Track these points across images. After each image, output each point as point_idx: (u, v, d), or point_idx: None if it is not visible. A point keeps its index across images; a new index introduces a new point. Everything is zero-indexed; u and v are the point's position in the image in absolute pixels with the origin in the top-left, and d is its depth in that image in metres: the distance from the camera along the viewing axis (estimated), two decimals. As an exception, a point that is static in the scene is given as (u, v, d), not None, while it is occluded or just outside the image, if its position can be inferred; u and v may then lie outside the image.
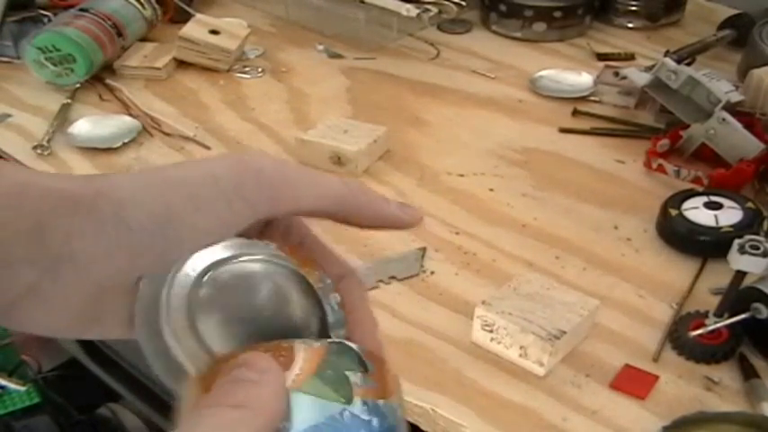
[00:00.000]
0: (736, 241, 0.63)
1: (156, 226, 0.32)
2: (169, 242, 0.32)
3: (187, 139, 0.95)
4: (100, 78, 1.06)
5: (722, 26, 1.12)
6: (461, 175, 0.88)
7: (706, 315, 0.67)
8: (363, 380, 0.29)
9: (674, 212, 0.77)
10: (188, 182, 0.33)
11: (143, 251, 0.32)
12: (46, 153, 0.92)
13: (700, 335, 0.65)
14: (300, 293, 0.34)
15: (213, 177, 0.33)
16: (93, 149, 0.93)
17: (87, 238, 0.31)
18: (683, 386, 0.63)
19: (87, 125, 0.96)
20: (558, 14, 1.15)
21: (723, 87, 0.86)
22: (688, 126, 0.87)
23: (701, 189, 0.81)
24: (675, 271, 0.75)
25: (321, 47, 1.15)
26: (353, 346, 0.31)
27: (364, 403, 0.28)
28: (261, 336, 0.32)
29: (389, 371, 0.32)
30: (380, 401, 0.29)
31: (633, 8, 1.19)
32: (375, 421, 0.28)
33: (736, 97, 0.86)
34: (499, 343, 0.65)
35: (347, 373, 0.29)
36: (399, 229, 0.38)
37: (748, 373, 0.63)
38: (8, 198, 0.31)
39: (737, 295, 0.64)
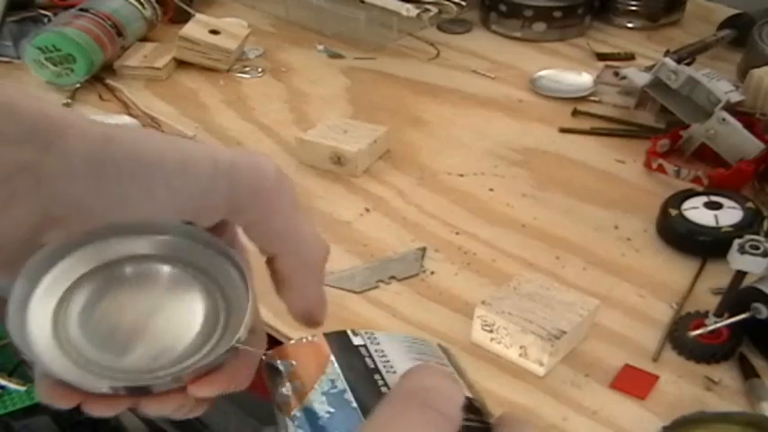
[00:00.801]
0: (736, 241, 0.63)
1: (132, 171, 0.32)
2: (134, 192, 0.32)
3: (187, 138, 0.95)
4: (100, 78, 1.06)
5: (722, 26, 1.12)
6: (461, 175, 0.88)
7: (706, 315, 0.67)
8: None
9: (674, 212, 0.77)
10: (188, 149, 0.33)
11: (105, 188, 0.32)
12: (46, 153, 0.92)
13: (700, 335, 0.65)
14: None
15: (213, 161, 0.33)
16: (93, 149, 0.92)
17: (58, 158, 0.31)
18: (683, 386, 0.63)
19: (87, 125, 0.96)
20: (558, 14, 1.15)
21: (723, 87, 0.86)
22: (688, 126, 0.87)
23: (701, 189, 0.81)
24: (675, 271, 0.75)
25: (321, 47, 1.15)
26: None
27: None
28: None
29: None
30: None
31: (633, 8, 1.19)
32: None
33: (736, 97, 0.86)
34: (499, 343, 0.65)
35: None
36: (297, 316, 0.37)
37: (748, 372, 0.63)
38: (4, 104, 0.31)
39: (737, 295, 0.64)
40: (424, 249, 0.77)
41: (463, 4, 1.13)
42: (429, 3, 1.10)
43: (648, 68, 0.94)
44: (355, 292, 0.72)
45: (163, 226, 0.34)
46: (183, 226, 0.34)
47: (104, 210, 0.32)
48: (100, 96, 1.03)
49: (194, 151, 0.33)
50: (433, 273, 0.75)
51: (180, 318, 0.33)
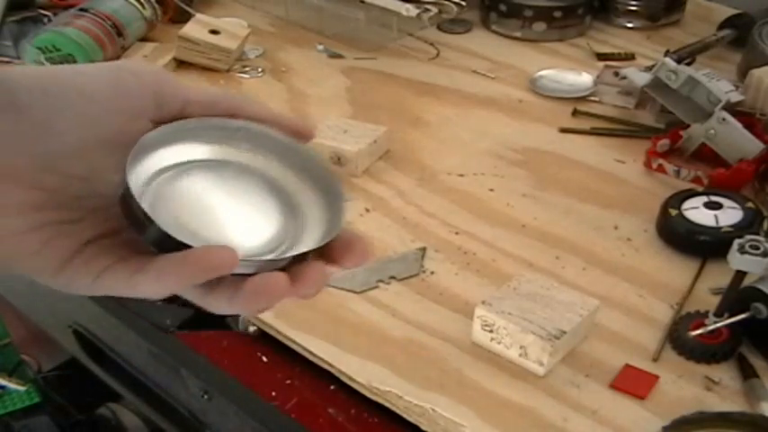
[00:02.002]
0: (736, 241, 0.63)
1: (38, 85, 0.33)
2: (52, 112, 0.33)
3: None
4: (100, 78, 1.06)
5: (722, 26, 1.12)
6: (461, 175, 0.88)
7: (706, 315, 0.67)
8: None
9: (674, 212, 0.77)
10: (79, 71, 0.35)
11: (25, 114, 0.32)
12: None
13: (700, 335, 0.65)
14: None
15: (103, 64, 0.35)
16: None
17: None
18: (683, 386, 0.63)
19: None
20: (558, 14, 1.15)
21: (723, 87, 0.86)
22: (688, 126, 0.87)
23: (701, 189, 0.81)
24: (675, 271, 0.75)
25: (321, 47, 1.15)
26: None
27: None
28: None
29: None
30: None
31: (633, 8, 1.19)
32: None
33: (736, 97, 0.86)
34: (499, 343, 0.65)
35: None
36: (289, 129, 0.38)
37: (748, 372, 0.63)
38: None
39: (737, 295, 0.64)
40: (424, 249, 0.77)
41: (463, 4, 1.13)
42: (429, 3, 1.10)
43: (648, 68, 0.94)
44: (355, 292, 0.72)
45: (270, 137, 0.38)
46: (288, 141, 0.38)
47: (35, 142, 0.33)
48: None
49: (80, 63, 0.36)
50: (433, 273, 0.75)
51: (256, 220, 0.36)
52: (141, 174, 0.35)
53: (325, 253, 0.36)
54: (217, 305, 0.34)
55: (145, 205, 0.33)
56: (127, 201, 0.33)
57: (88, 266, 0.34)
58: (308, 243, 0.36)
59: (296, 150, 0.38)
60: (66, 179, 0.34)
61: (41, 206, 0.34)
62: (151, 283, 0.32)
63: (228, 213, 0.36)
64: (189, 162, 0.37)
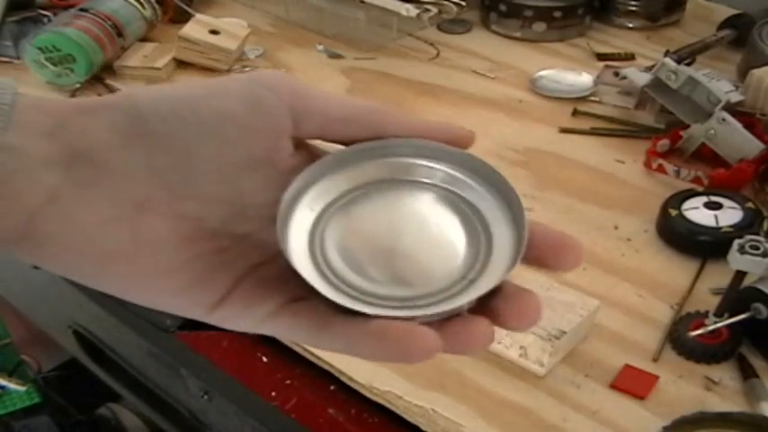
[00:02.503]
0: (736, 241, 0.63)
1: (170, 109, 0.31)
2: (190, 130, 0.31)
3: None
4: (100, 78, 1.06)
5: (722, 26, 1.12)
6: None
7: (706, 315, 0.67)
8: None
9: (674, 212, 0.77)
10: (207, 81, 0.33)
11: (160, 138, 0.31)
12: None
13: (700, 335, 0.65)
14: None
15: (236, 80, 0.33)
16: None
17: (101, 130, 0.31)
18: (683, 386, 0.63)
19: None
20: (558, 14, 1.15)
21: (723, 87, 0.86)
22: (688, 126, 0.87)
23: (701, 189, 0.81)
24: (675, 271, 0.75)
25: (321, 47, 1.15)
26: None
27: None
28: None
29: None
30: None
31: (633, 8, 1.19)
32: None
33: (736, 97, 0.86)
34: (499, 343, 0.65)
35: None
36: (449, 141, 0.35)
37: (748, 372, 0.63)
38: (30, 104, 0.31)
39: (737, 295, 0.64)
40: (424, 249, 0.77)
41: (463, 4, 1.13)
42: (429, 3, 1.10)
43: (648, 68, 0.94)
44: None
45: (436, 150, 0.34)
46: (457, 152, 0.34)
47: (173, 169, 0.31)
48: (100, 96, 1.03)
49: (212, 80, 0.33)
50: (433, 273, 0.75)
51: (438, 247, 0.32)
52: (307, 210, 0.32)
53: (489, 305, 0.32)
54: (331, 345, 0.31)
55: (309, 247, 0.31)
56: (291, 268, 0.30)
57: (248, 304, 0.32)
58: (495, 272, 0.32)
59: (468, 158, 0.35)
60: (209, 206, 0.32)
61: (188, 239, 0.32)
62: (339, 347, 0.30)
63: (405, 240, 0.32)
64: (358, 187, 0.34)
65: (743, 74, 0.98)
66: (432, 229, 0.33)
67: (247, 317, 0.32)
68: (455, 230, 0.32)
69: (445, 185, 0.34)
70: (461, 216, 0.33)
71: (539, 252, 0.33)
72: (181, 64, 1.09)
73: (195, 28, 1.08)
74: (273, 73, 0.33)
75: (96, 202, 0.30)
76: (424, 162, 0.34)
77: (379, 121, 0.34)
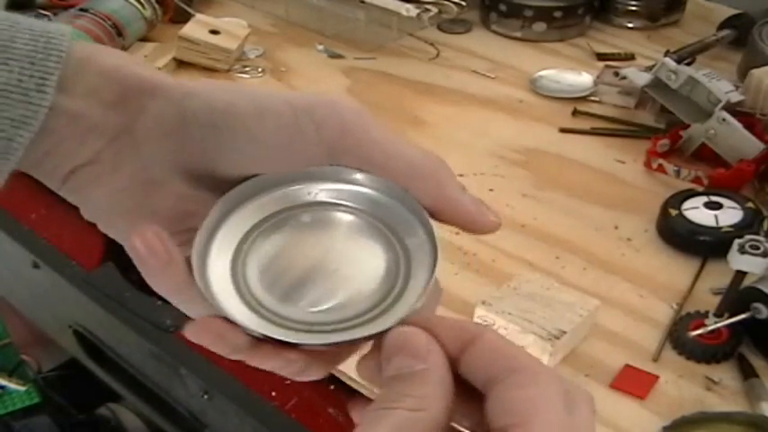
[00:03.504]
0: (737, 241, 0.63)
1: (209, 120, 0.33)
2: (220, 142, 0.33)
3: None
4: (100, 78, 1.06)
5: (722, 26, 1.12)
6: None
7: (706, 315, 0.67)
8: None
9: (674, 212, 0.77)
10: (260, 96, 0.34)
11: (192, 142, 0.33)
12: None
13: (700, 335, 0.65)
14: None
15: (289, 104, 0.33)
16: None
17: (148, 118, 0.33)
18: (683, 386, 0.63)
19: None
20: (558, 14, 1.15)
21: (723, 87, 0.86)
22: (688, 126, 0.87)
23: (701, 189, 0.81)
24: (675, 271, 0.75)
25: (321, 47, 1.14)
26: None
27: None
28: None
29: None
30: None
31: (633, 8, 1.19)
32: None
33: (736, 97, 0.86)
34: (499, 343, 0.65)
35: None
36: (467, 230, 0.35)
37: (748, 372, 0.63)
38: (100, 73, 0.33)
39: (737, 295, 0.64)
40: (424, 249, 0.77)
41: (463, 4, 1.13)
42: (429, 3, 1.10)
43: (648, 68, 0.94)
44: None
45: (347, 174, 0.33)
46: (374, 177, 0.33)
47: (200, 161, 0.33)
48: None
49: (267, 96, 0.34)
50: (433, 273, 0.75)
51: (358, 270, 0.32)
52: (231, 233, 0.33)
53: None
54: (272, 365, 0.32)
55: (231, 270, 0.32)
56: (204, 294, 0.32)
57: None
58: (411, 297, 0.31)
59: (391, 185, 0.34)
60: (207, 203, 0.34)
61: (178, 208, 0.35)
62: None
63: (325, 264, 0.32)
64: (285, 209, 0.34)
65: (743, 74, 0.98)
66: (352, 253, 0.33)
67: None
68: (375, 254, 0.33)
69: (368, 210, 0.34)
70: (382, 240, 0.33)
71: (456, 221, 0.34)
72: (181, 64, 1.09)
73: (195, 28, 1.08)
74: (332, 103, 0.33)
75: (124, 171, 0.33)
76: (345, 187, 0.34)
77: (417, 181, 0.33)
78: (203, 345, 0.31)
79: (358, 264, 0.33)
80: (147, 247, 0.30)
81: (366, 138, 0.33)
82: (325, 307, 0.31)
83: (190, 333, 0.30)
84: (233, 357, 0.31)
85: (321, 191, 0.34)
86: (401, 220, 0.33)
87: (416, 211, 0.33)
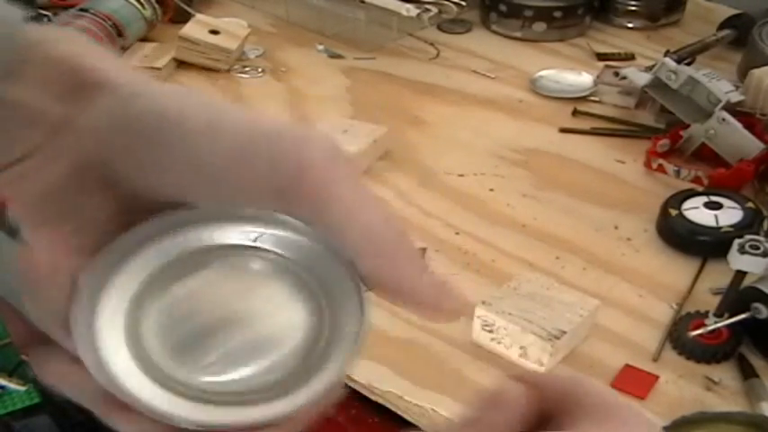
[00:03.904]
0: (737, 241, 0.63)
1: (156, 126, 0.29)
2: (159, 156, 0.29)
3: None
4: (100, 78, 1.06)
5: (722, 26, 1.12)
6: (461, 175, 0.88)
7: (706, 315, 0.67)
8: None
9: (674, 212, 0.77)
10: (217, 110, 0.29)
11: (130, 149, 0.29)
12: (46, 153, 0.92)
13: (700, 335, 0.65)
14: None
15: (249, 127, 0.28)
16: (93, 149, 0.92)
17: (94, 112, 0.29)
18: (683, 386, 0.63)
19: (87, 125, 0.96)
20: (558, 14, 1.15)
21: (723, 87, 0.86)
22: (688, 126, 0.87)
23: (701, 189, 0.81)
24: (675, 271, 0.75)
25: (321, 47, 1.14)
26: None
27: None
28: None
29: None
30: None
31: (633, 8, 1.19)
32: None
33: (736, 97, 0.86)
34: (499, 343, 0.65)
35: None
36: (420, 316, 0.30)
37: (748, 372, 0.63)
38: (57, 63, 0.30)
39: (737, 295, 0.64)
40: (424, 249, 0.77)
41: (463, 4, 1.13)
42: (429, 3, 1.10)
43: (648, 68, 0.94)
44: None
45: (256, 215, 0.28)
46: (282, 217, 0.28)
47: (135, 173, 0.29)
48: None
49: (225, 112, 0.29)
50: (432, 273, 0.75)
51: (276, 327, 0.28)
52: (126, 285, 0.28)
53: None
54: None
55: (126, 334, 0.27)
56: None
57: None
58: (339, 356, 0.27)
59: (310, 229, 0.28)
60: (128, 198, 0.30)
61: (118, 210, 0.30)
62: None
63: (237, 319, 0.28)
64: (190, 254, 0.29)
65: (743, 74, 0.98)
66: (268, 305, 0.28)
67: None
68: (294, 306, 0.28)
69: (283, 253, 0.29)
70: (302, 287, 0.28)
71: (409, 307, 0.29)
72: (181, 64, 1.09)
73: (195, 28, 1.08)
74: (302, 138, 0.28)
75: (60, 167, 0.30)
76: (258, 228, 0.29)
77: (367, 256, 0.28)
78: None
79: (276, 320, 0.28)
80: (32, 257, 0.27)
81: (326, 189, 0.28)
82: (229, 372, 0.27)
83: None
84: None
85: (240, 233, 0.29)
86: (330, 273, 0.28)
87: (349, 266, 0.28)
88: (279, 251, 0.29)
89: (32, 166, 0.30)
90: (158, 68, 1.06)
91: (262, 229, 0.29)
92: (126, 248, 0.29)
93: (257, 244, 0.29)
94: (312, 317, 0.28)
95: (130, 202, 0.30)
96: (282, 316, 0.28)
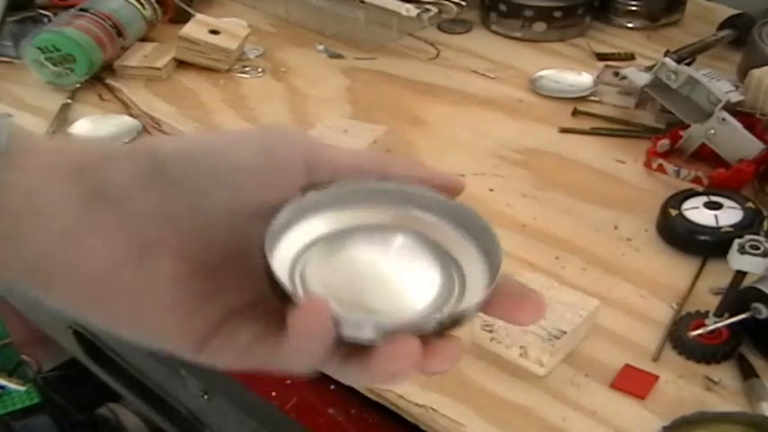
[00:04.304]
0: (737, 241, 0.63)
1: (189, 159, 0.32)
2: (206, 179, 0.32)
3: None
4: (100, 78, 1.06)
5: (722, 26, 1.12)
6: (461, 175, 0.88)
7: (706, 315, 0.67)
8: None
9: (674, 212, 0.77)
10: (221, 134, 0.34)
11: (175, 188, 0.32)
12: (46, 153, 0.92)
13: (700, 335, 0.65)
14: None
15: (249, 134, 0.34)
16: (93, 149, 0.92)
17: (120, 176, 0.31)
18: (683, 386, 0.63)
19: (87, 125, 0.96)
20: (558, 14, 1.15)
21: (723, 87, 0.86)
22: (688, 126, 0.87)
23: (701, 189, 0.81)
24: (675, 271, 0.75)
25: (321, 47, 1.15)
26: None
27: None
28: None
29: None
30: None
31: (633, 8, 1.19)
32: None
33: (736, 97, 0.86)
34: (499, 343, 0.65)
35: None
36: (440, 186, 0.36)
37: (748, 372, 0.63)
38: (51, 150, 0.31)
39: (737, 295, 0.64)
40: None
41: (463, 4, 1.13)
42: (429, 3, 1.10)
43: (648, 68, 0.94)
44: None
45: (405, 194, 0.35)
46: (430, 195, 0.36)
47: (184, 215, 0.32)
48: (100, 96, 1.03)
49: (227, 132, 0.34)
50: (433, 273, 0.75)
51: (413, 287, 0.33)
52: (291, 243, 0.34)
53: (494, 310, 0.33)
54: (352, 376, 0.33)
55: (289, 279, 0.32)
56: (270, 275, 0.31)
57: (233, 339, 0.33)
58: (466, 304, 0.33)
59: (453, 207, 0.36)
60: (212, 249, 0.33)
61: (189, 277, 0.32)
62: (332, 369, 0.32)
63: (384, 280, 0.34)
64: (342, 229, 0.35)
65: (743, 74, 0.98)
66: (407, 271, 0.34)
67: (230, 350, 0.33)
68: (431, 273, 0.34)
69: (424, 231, 0.36)
70: (438, 260, 0.35)
71: (498, 303, 0.33)
72: (181, 64, 1.09)
73: (195, 28, 1.08)
74: (285, 127, 0.35)
75: (110, 239, 0.31)
76: (414, 211, 0.36)
77: (384, 167, 0.35)
78: (306, 333, 0.29)
79: (414, 281, 0.34)
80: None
81: (326, 150, 0.34)
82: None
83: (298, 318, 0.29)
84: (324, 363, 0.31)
85: (380, 211, 0.36)
86: (458, 243, 0.35)
87: (478, 235, 0.35)
88: (413, 227, 0.36)
89: (75, 250, 0.31)
90: (158, 68, 1.06)
91: (397, 208, 0.36)
92: (289, 220, 0.34)
93: (395, 222, 0.36)
94: (445, 280, 0.34)
95: (193, 240, 0.33)
96: (421, 278, 0.34)
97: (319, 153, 0.34)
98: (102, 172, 0.31)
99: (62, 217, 0.30)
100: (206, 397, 0.75)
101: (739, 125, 0.84)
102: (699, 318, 0.67)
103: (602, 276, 0.74)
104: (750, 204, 0.77)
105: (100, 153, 0.32)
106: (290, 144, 0.34)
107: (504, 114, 1.00)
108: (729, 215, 0.76)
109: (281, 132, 0.34)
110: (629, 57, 1.11)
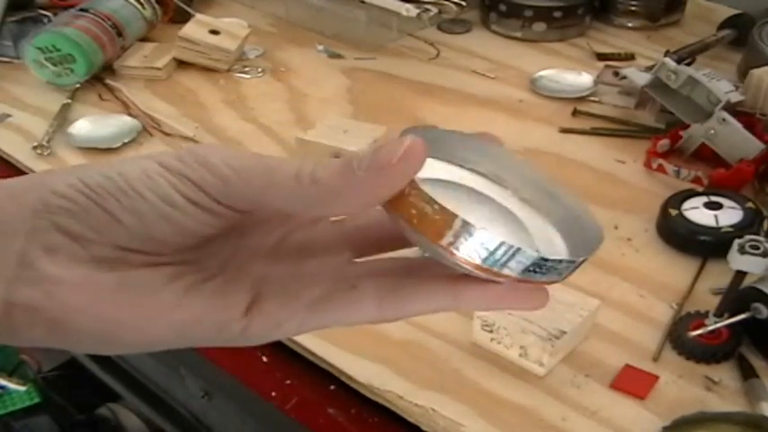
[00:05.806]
0: (736, 241, 0.63)
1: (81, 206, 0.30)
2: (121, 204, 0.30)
3: (187, 138, 0.95)
4: (100, 78, 1.06)
5: (722, 26, 1.12)
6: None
7: (706, 315, 0.67)
8: None
9: (674, 212, 0.77)
10: (125, 176, 0.30)
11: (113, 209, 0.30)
12: (46, 153, 0.92)
13: (700, 335, 0.65)
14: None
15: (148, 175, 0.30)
16: (93, 149, 0.93)
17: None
18: (683, 386, 0.63)
19: (87, 125, 0.96)
20: (558, 14, 1.15)
21: (723, 87, 0.86)
22: (688, 126, 0.87)
23: (701, 189, 0.81)
24: (675, 271, 0.75)
25: (321, 47, 1.15)
26: None
27: None
28: None
29: None
30: None
31: (633, 8, 1.19)
32: None
33: (736, 97, 0.86)
34: (499, 343, 0.65)
35: None
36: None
37: (748, 372, 0.63)
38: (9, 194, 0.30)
39: (737, 295, 0.64)
40: (424, 249, 0.77)
41: (463, 4, 1.13)
42: (429, 3, 1.10)
43: (648, 68, 0.94)
44: (355, 292, 0.72)
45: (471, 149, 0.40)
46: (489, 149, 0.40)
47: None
48: (100, 96, 1.03)
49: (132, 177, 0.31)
50: (433, 273, 0.75)
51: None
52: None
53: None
54: (471, 300, 0.34)
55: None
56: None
57: (284, 302, 0.35)
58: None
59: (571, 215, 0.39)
60: (169, 244, 0.31)
61: (172, 276, 0.31)
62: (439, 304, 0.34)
63: (491, 219, 0.37)
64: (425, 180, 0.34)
65: (743, 74, 0.98)
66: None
67: (286, 314, 0.35)
68: (495, 224, 0.38)
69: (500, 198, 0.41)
70: (500, 211, 0.39)
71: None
72: (181, 64, 1.09)
73: (195, 28, 1.08)
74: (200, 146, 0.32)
75: (75, 259, 0.30)
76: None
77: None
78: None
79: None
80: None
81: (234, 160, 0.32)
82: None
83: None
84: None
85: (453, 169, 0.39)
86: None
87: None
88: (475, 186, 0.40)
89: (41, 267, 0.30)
90: (158, 68, 1.06)
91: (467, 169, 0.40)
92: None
93: (463, 183, 0.40)
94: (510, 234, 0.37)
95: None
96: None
97: (244, 179, 0.31)
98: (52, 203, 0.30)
99: (13, 242, 0.30)
100: (206, 397, 0.75)
101: (739, 125, 0.84)
102: (699, 318, 0.67)
103: (602, 276, 0.74)
104: (750, 204, 0.77)
105: (44, 185, 0.30)
106: (210, 174, 0.30)
107: (505, 114, 1.00)
108: (729, 215, 0.76)
109: (204, 152, 0.31)
110: (629, 57, 1.11)
